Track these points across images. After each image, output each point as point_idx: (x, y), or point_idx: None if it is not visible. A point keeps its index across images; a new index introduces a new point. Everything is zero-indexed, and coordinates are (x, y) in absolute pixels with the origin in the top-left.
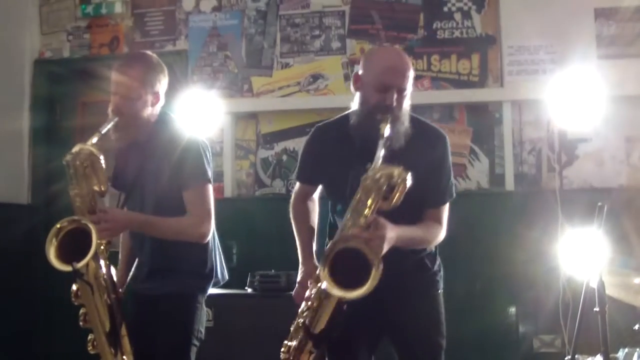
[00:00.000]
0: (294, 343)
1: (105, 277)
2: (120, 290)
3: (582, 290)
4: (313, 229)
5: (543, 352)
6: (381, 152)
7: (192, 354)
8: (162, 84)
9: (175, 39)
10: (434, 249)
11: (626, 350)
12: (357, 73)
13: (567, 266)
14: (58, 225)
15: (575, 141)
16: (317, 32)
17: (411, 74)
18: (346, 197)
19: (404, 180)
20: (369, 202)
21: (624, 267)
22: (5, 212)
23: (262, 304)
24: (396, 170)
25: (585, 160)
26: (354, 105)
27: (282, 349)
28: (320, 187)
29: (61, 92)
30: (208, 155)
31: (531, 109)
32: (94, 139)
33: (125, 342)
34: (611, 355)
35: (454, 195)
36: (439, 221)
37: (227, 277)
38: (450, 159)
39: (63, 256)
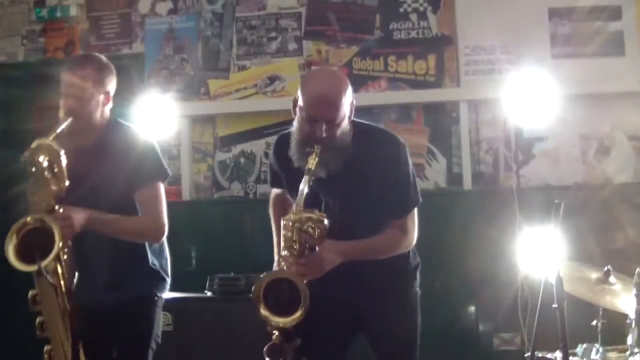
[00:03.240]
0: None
1: (65, 281)
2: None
3: (540, 287)
4: None
5: (503, 349)
6: (304, 189)
7: (150, 358)
8: (112, 84)
9: (132, 42)
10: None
11: (584, 345)
12: (295, 98)
13: (525, 264)
14: (25, 220)
15: (532, 140)
16: (273, 34)
17: (346, 100)
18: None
19: (322, 223)
20: (296, 239)
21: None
22: None
23: (222, 307)
24: (314, 215)
25: (542, 159)
26: (294, 126)
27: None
28: None
29: (17, 96)
30: (160, 155)
31: (488, 108)
32: (54, 134)
33: (81, 356)
34: (570, 351)
35: (419, 201)
36: (402, 229)
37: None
38: (410, 165)
39: (22, 257)
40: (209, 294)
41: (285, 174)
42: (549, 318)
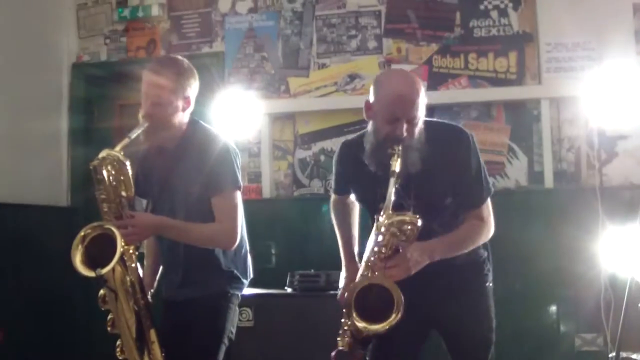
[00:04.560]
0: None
1: (132, 282)
2: (148, 295)
3: (624, 287)
4: (354, 230)
5: (585, 350)
6: (392, 191)
7: (222, 353)
8: (193, 88)
9: (212, 40)
10: (484, 244)
11: None
12: (368, 101)
13: (608, 263)
14: (82, 233)
15: (615, 138)
16: (353, 32)
17: (421, 99)
18: (372, 212)
19: (415, 224)
20: (385, 241)
21: None
22: (45, 214)
23: (302, 304)
24: (407, 217)
25: (625, 157)
26: (368, 131)
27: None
28: None
29: (99, 94)
30: (238, 162)
31: (569, 106)
32: (122, 144)
33: (155, 348)
34: None
35: (492, 190)
36: (480, 218)
37: (251, 274)
38: (479, 154)
39: (90, 261)
40: (289, 290)
41: (350, 179)
42: (634, 318)
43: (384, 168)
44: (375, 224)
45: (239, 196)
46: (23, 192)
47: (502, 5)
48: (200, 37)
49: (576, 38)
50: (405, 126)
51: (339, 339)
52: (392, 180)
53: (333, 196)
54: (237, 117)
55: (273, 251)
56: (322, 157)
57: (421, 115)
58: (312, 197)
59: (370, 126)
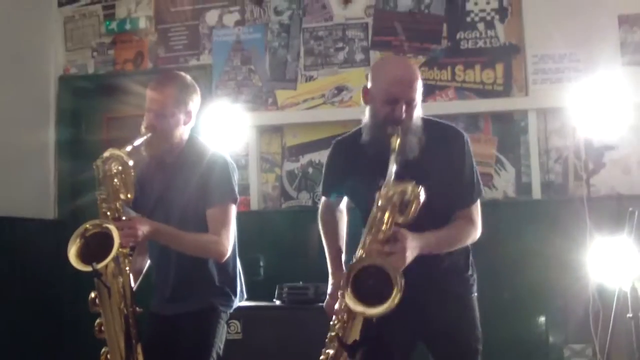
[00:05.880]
0: (330, 352)
1: (124, 285)
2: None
3: (612, 298)
4: (341, 240)
5: None
6: (393, 168)
7: None
8: (195, 103)
9: (199, 53)
10: (468, 254)
11: None
12: (365, 87)
13: (597, 274)
14: (86, 226)
15: (602, 148)
16: (340, 45)
17: (419, 84)
18: (367, 210)
19: (417, 195)
20: (385, 218)
21: None
22: (31, 227)
23: (291, 316)
24: (409, 187)
25: (612, 168)
26: (365, 118)
27: (322, 357)
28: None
29: (86, 107)
30: (235, 176)
31: (556, 117)
32: (127, 148)
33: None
34: None
35: (482, 192)
36: (469, 219)
37: (245, 295)
38: (472, 156)
39: (84, 258)
40: (277, 302)
41: (343, 176)
42: (622, 328)
43: (383, 150)
44: (375, 196)
45: (234, 210)
46: (10, 205)
47: (488, 17)
48: (188, 49)
49: (563, 49)
50: (404, 107)
51: (324, 349)
52: (392, 158)
53: (322, 200)
54: (224, 129)
55: (261, 263)
56: (310, 170)
57: (419, 100)
58: (300, 209)
59: (367, 112)
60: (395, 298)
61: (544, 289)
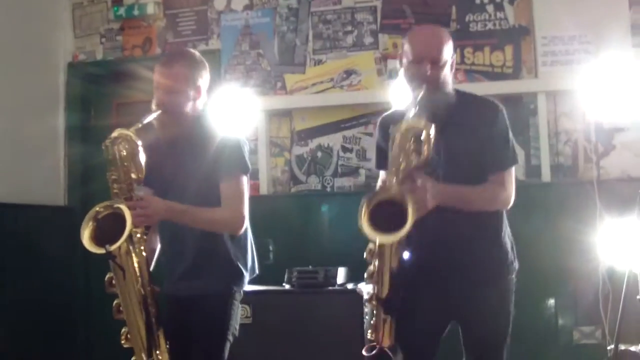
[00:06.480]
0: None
1: (140, 264)
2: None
3: (622, 280)
4: None
5: (583, 343)
6: (413, 112)
7: (227, 350)
8: (204, 79)
9: (208, 38)
10: (506, 231)
11: None
12: (399, 54)
13: (606, 256)
14: (97, 208)
15: (612, 131)
16: (349, 28)
17: (447, 47)
18: None
19: (429, 131)
20: (402, 156)
21: None
22: (42, 213)
23: (300, 300)
24: (422, 122)
25: (622, 150)
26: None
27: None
28: None
29: (95, 93)
30: (246, 149)
31: (566, 99)
32: (134, 128)
33: (161, 339)
34: None
35: (517, 160)
36: (500, 183)
37: (257, 271)
38: (509, 127)
39: (97, 241)
40: (287, 287)
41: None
42: (632, 310)
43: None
44: (390, 134)
45: (246, 181)
46: (20, 192)
47: (497, 0)
48: (196, 34)
49: (572, 31)
50: (429, 65)
51: (369, 331)
52: (412, 102)
53: (381, 175)
54: (233, 114)
55: (271, 248)
56: (319, 154)
57: (445, 62)
58: (310, 193)
59: (402, 74)
60: (411, 220)
61: (554, 272)
